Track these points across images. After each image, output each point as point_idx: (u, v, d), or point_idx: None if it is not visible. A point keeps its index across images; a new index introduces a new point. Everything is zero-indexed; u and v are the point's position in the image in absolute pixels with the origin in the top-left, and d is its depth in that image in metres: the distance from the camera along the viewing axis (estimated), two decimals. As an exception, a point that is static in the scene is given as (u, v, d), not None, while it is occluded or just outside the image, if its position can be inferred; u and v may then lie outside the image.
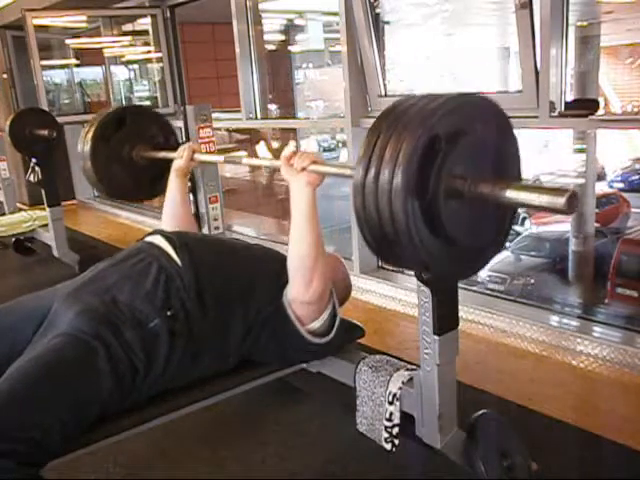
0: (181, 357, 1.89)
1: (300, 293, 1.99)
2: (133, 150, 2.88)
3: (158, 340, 1.84)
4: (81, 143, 2.84)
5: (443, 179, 1.34)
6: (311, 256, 1.94)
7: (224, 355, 2.01)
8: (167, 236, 2.09)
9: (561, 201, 1.25)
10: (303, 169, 1.93)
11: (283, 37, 7.66)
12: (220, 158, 2.84)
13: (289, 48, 7.98)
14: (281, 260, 2.15)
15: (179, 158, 2.58)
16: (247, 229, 5.92)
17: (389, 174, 1.30)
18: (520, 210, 12.86)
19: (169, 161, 2.67)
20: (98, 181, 2.85)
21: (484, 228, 1.50)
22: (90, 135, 2.80)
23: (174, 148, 2.72)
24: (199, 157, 2.62)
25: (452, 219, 1.37)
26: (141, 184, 2.96)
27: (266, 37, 5.16)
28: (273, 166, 2.18)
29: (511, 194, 1.35)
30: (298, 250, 1.96)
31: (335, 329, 2.10)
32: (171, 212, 2.59)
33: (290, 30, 7.70)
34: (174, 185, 2.59)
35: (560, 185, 11.79)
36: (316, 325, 2.06)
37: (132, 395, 1.81)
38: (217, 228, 3.31)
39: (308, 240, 1.94)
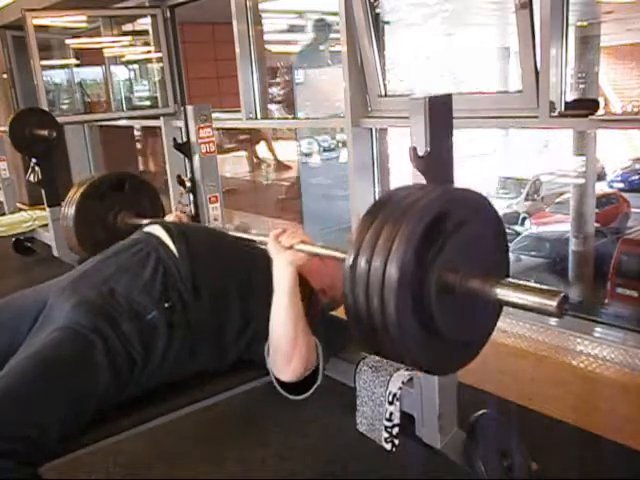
0: (179, 349, 1.88)
1: (278, 370, 1.94)
2: (118, 216, 2.94)
3: (156, 332, 1.84)
4: (66, 206, 2.89)
5: (436, 271, 1.31)
6: (289, 337, 1.89)
7: (222, 349, 2.00)
8: (166, 226, 2.09)
9: (552, 304, 1.23)
10: (290, 247, 1.91)
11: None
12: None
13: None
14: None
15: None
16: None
17: (382, 263, 1.27)
18: (520, 210, 12.86)
19: None
20: (78, 243, 2.90)
21: (473, 323, 1.48)
22: (77, 197, 2.86)
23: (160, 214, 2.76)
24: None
25: (443, 313, 1.34)
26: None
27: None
28: (260, 241, 2.15)
29: (501, 292, 1.33)
30: (277, 329, 1.91)
31: (311, 391, 2.03)
32: None
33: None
34: None
35: (560, 185, 11.80)
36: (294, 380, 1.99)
37: (129, 388, 1.81)
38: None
39: (286, 320, 1.89)
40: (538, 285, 1.31)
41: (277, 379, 1.98)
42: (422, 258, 1.29)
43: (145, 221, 2.80)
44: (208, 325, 1.94)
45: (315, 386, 2.01)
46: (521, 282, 1.34)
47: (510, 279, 1.40)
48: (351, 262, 1.33)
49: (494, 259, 1.46)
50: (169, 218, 2.61)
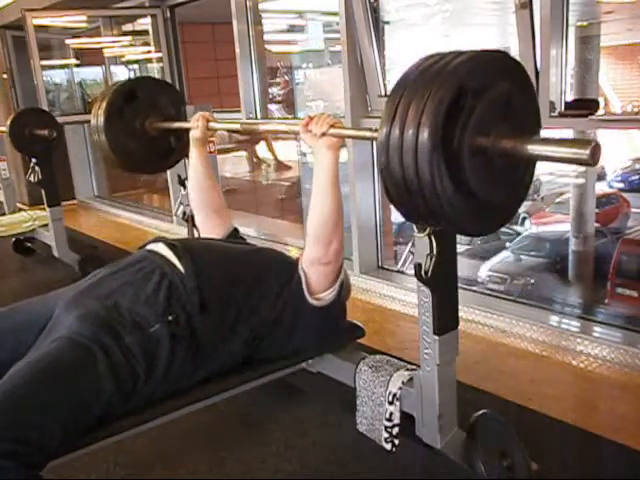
0: (182, 362, 1.88)
1: (321, 254, 2.04)
2: (146, 121, 2.93)
3: (159, 345, 1.84)
4: (94, 117, 2.89)
5: (467, 134, 1.35)
6: (333, 218, 2.00)
7: (225, 361, 2.01)
8: (170, 243, 2.09)
9: (585, 152, 1.26)
10: (323, 134, 1.97)
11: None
12: (236, 126, 2.85)
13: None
14: (288, 262, 2.16)
15: (194, 128, 2.59)
16: (247, 229, 5.92)
17: (414, 130, 1.32)
18: (520, 210, 12.84)
19: (182, 132, 2.72)
20: (112, 153, 2.89)
21: (506, 183, 1.51)
22: (102, 108, 2.84)
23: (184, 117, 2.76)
24: (214, 125, 2.63)
25: (475, 174, 1.38)
26: (155, 156, 3.03)
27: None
28: (292, 131, 2.20)
29: (534, 148, 1.37)
30: (321, 213, 2.01)
31: (342, 295, 2.18)
32: (197, 185, 2.61)
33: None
34: (195, 156, 2.62)
35: (560, 185, 11.79)
36: (328, 298, 2.11)
37: (133, 399, 1.81)
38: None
39: (331, 203, 2.00)
40: (569, 138, 1.35)
41: (312, 292, 2.09)
42: (453, 123, 1.33)
43: (175, 124, 2.88)
44: (214, 337, 1.95)
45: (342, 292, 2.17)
46: (552, 138, 1.37)
47: (541, 136, 1.46)
48: (384, 135, 1.38)
49: (524, 116, 1.49)
50: (194, 121, 2.60)
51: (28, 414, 1.58)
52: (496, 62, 1.45)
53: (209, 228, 2.57)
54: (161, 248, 2.08)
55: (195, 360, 1.92)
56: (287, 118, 6.88)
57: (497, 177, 1.45)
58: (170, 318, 1.86)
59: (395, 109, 1.37)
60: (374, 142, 3.71)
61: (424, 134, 1.30)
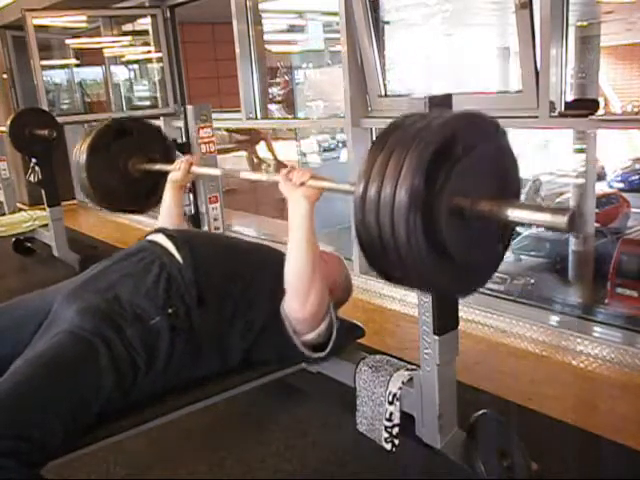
0: (182, 354, 1.89)
1: (295, 310, 1.98)
2: (129, 161, 2.91)
3: (159, 337, 1.84)
4: (77, 154, 2.86)
5: (446, 195, 1.32)
6: (307, 273, 1.94)
7: (225, 353, 2.01)
8: (169, 234, 2.09)
9: (563, 221, 1.25)
10: (302, 184, 1.93)
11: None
12: (217, 172, 2.86)
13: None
14: (283, 258, 2.16)
15: (176, 170, 2.59)
16: (247, 229, 5.92)
17: (392, 189, 1.29)
18: (520, 210, 12.86)
19: (164, 174, 2.68)
20: (92, 191, 2.87)
21: (483, 246, 1.49)
22: (86, 146, 2.82)
23: (171, 161, 2.73)
24: (196, 170, 2.63)
25: (453, 236, 1.36)
26: (135, 196, 2.98)
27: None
28: (271, 180, 2.17)
29: (512, 213, 1.35)
30: (294, 266, 1.95)
31: (331, 345, 2.09)
32: (168, 220, 2.59)
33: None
34: (169, 197, 2.61)
35: (560, 185, 11.80)
36: (311, 336, 2.05)
37: (133, 393, 1.81)
38: (217, 228, 3.31)
39: (304, 257, 1.94)
40: (547, 206, 1.35)
41: (295, 331, 2.02)
42: (431, 183, 1.30)
43: (156, 166, 2.84)
44: (212, 330, 1.95)
45: (332, 342, 2.07)
46: (530, 203, 1.37)
47: (520, 201, 1.45)
48: (361, 191, 1.35)
49: (504, 181, 1.48)
50: (177, 163, 2.61)
51: (30, 412, 1.58)
52: (478, 124, 1.43)
53: None
54: (161, 238, 2.08)
55: (194, 353, 1.92)
56: (287, 118, 6.90)
57: (474, 239, 1.43)
58: (170, 310, 1.87)
59: (374, 165, 1.34)
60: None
61: (402, 192, 1.27)
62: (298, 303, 1.96)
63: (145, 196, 2.99)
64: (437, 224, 1.33)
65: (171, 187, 2.61)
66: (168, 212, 2.60)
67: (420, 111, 1.46)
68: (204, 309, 1.93)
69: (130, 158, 2.90)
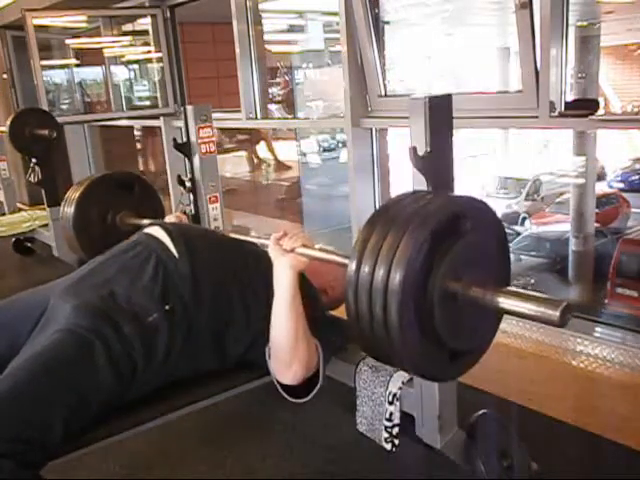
0: (180, 351, 1.88)
1: (279, 373, 1.94)
2: (117, 216, 2.94)
3: (157, 334, 1.83)
4: (65, 206, 2.90)
5: (440, 280, 1.31)
6: (289, 342, 1.89)
7: (223, 350, 2.00)
8: (166, 228, 2.09)
9: (556, 314, 1.23)
10: (292, 250, 1.90)
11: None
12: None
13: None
14: None
15: None
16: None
17: (385, 272, 1.28)
18: (520, 210, 12.86)
19: None
20: (78, 243, 2.91)
21: (474, 331, 1.49)
22: (75, 198, 2.87)
23: (160, 215, 2.81)
24: None
25: (445, 321, 1.35)
26: None
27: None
28: (261, 244, 2.14)
29: (503, 301, 1.34)
30: (277, 333, 1.91)
31: (313, 393, 2.02)
32: None
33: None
34: None
35: (560, 185, 11.80)
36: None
37: (132, 390, 1.80)
38: (217, 228, 3.31)
39: (286, 325, 1.89)
40: (540, 294, 1.32)
41: (278, 382, 1.97)
42: (425, 266, 1.29)
43: (145, 221, 2.82)
44: (209, 326, 1.94)
45: (316, 389, 2.00)
46: (522, 291, 1.34)
47: (512, 287, 1.40)
48: (354, 269, 1.33)
49: (496, 267, 1.47)
50: (169, 219, 2.61)
51: (29, 412, 1.58)
52: (473, 209, 1.43)
53: None
54: (157, 231, 2.08)
55: (192, 350, 1.91)
56: (287, 118, 6.89)
57: (463, 324, 1.42)
58: (167, 307, 1.86)
59: (367, 244, 1.33)
60: (375, 142, 3.74)
61: (397, 275, 1.26)
62: (282, 367, 1.93)
63: None
64: (430, 308, 1.32)
65: None
66: None
67: (418, 191, 1.45)
68: (200, 305, 1.92)
69: (120, 211, 2.95)
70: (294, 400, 1.99)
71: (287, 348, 1.89)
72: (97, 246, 2.85)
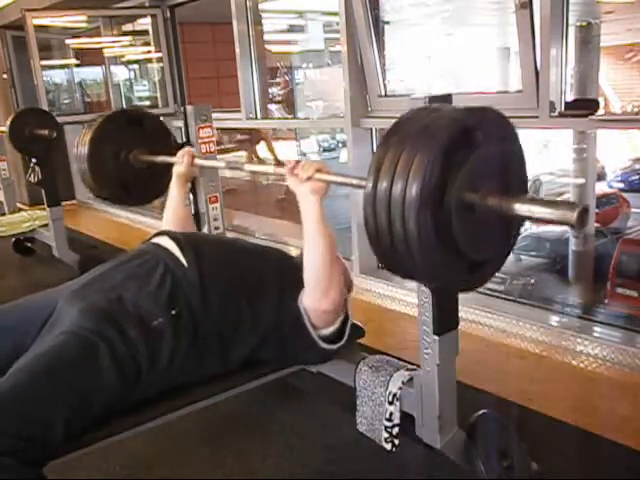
0: (185, 355, 1.88)
1: (317, 302, 1.98)
2: (130, 153, 2.91)
3: (162, 338, 1.84)
4: (79, 146, 2.87)
5: (456, 191, 1.34)
6: (325, 266, 1.94)
7: (227, 356, 2.00)
8: (174, 237, 2.09)
9: (572, 216, 1.25)
10: (308, 178, 1.93)
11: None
12: (221, 164, 2.84)
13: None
14: (290, 261, 2.19)
15: (179, 164, 2.59)
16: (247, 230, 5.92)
17: (402, 185, 1.30)
18: (520, 210, 12.86)
19: (165, 169, 2.69)
20: (94, 183, 2.90)
21: (492, 241, 1.50)
22: (88, 138, 2.84)
23: (173, 153, 2.73)
24: (199, 162, 2.63)
25: (463, 232, 1.37)
26: (137, 188, 3.01)
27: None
28: (277, 173, 2.17)
29: (522, 208, 1.36)
30: (312, 260, 1.96)
31: (346, 335, 2.10)
32: (171, 218, 2.61)
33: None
34: (175, 192, 2.62)
35: (560, 185, 11.80)
36: (330, 330, 2.06)
37: (136, 392, 1.81)
38: (217, 228, 3.31)
39: (319, 250, 1.94)
40: (557, 199, 1.34)
41: (314, 326, 2.02)
42: (441, 179, 1.32)
43: (159, 158, 2.85)
44: (217, 332, 1.95)
45: (348, 328, 2.10)
46: (539, 197, 1.37)
47: (529, 195, 1.46)
48: (372, 186, 1.36)
49: (512, 175, 1.49)
50: (179, 156, 2.61)
51: (31, 410, 1.58)
52: (488, 119, 1.44)
53: None
54: (165, 241, 2.08)
55: (197, 355, 1.92)
56: (287, 118, 6.90)
57: (482, 234, 1.44)
58: (173, 312, 1.87)
59: (384, 160, 1.36)
60: (375, 142, 3.73)
61: (413, 189, 1.29)
62: (319, 295, 1.97)
63: (147, 188, 3.04)
64: (447, 219, 1.34)
65: (176, 181, 2.61)
66: (171, 215, 2.61)
67: (428, 106, 1.46)
68: (208, 312, 1.93)
69: (133, 149, 2.93)
70: (329, 347, 2.06)
71: (323, 273, 1.95)
72: (113, 185, 2.95)
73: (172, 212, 2.61)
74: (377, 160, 1.38)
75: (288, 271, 2.10)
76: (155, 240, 2.13)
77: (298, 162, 1.99)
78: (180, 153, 2.61)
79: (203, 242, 2.20)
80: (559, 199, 1.47)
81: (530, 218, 1.41)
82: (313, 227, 1.95)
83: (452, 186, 1.33)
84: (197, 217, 3.31)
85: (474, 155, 1.36)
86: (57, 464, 1.67)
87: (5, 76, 7.53)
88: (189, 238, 2.12)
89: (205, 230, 3.24)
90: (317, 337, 2.03)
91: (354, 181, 1.84)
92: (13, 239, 5.34)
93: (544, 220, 1.36)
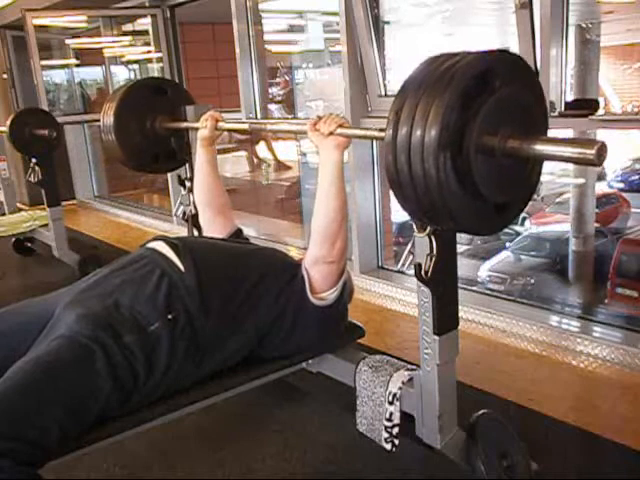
0: (183, 360, 1.88)
1: (326, 253, 2.05)
2: (155, 121, 2.98)
3: (159, 344, 1.83)
4: (104, 116, 2.92)
5: (475, 134, 1.36)
6: (337, 219, 2.02)
7: (225, 359, 2.01)
8: (170, 242, 2.09)
9: (591, 152, 1.27)
10: (330, 133, 1.98)
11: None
12: (244, 126, 2.86)
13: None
14: (289, 262, 2.21)
15: (203, 128, 2.61)
16: (247, 229, 5.92)
17: (422, 130, 1.33)
18: (520, 210, 12.87)
19: (183, 136, 2.84)
20: (122, 152, 2.95)
21: (512, 183, 1.53)
22: (113, 108, 2.88)
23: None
24: (223, 125, 2.65)
25: (482, 174, 1.40)
26: (161, 155, 3.10)
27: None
28: (299, 131, 2.21)
29: (540, 148, 1.39)
30: (326, 212, 2.02)
31: (344, 294, 2.18)
32: (204, 185, 2.63)
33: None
34: (201, 155, 2.64)
35: (561, 185, 11.80)
36: (333, 295, 2.12)
37: (134, 397, 1.81)
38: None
39: (335, 203, 2.01)
40: (576, 137, 1.36)
41: (315, 290, 2.10)
42: (460, 123, 1.35)
43: (184, 124, 2.96)
44: (214, 336, 1.95)
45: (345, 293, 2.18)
46: (558, 137, 1.39)
47: (548, 136, 1.49)
48: (391, 134, 1.40)
49: (531, 117, 1.51)
50: (203, 121, 2.63)
51: (26, 412, 1.58)
52: (503, 62, 1.46)
53: (213, 228, 2.58)
54: (162, 246, 2.08)
55: (195, 358, 1.92)
56: (287, 118, 6.89)
57: (503, 177, 1.46)
58: (170, 317, 1.86)
59: (402, 108, 1.39)
60: (374, 142, 3.73)
61: (431, 134, 1.32)
62: (328, 246, 2.04)
63: (171, 155, 3.12)
64: (467, 163, 1.37)
65: (201, 145, 2.63)
66: (201, 180, 2.63)
67: (446, 53, 1.48)
68: (207, 315, 1.93)
69: (157, 117, 2.99)
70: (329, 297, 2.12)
71: (336, 224, 2.02)
72: (142, 156, 3.04)
73: (200, 182, 2.64)
74: (395, 108, 1.41)
75: (286, 269, 2.12)
76: (151, 245, 2.13)
77: (320, 118, 2.04)
78: (203, 117, 2.64)
79: (201, 246, 2.20)
80: (577, 138, 1.50)
81: (548, 157, 1.43)
82: (332, 179, 2.01)
83: (471, 129, 1.36)
84: (196, 217, 3.30)
85: (492, 98, 1.38)
86: (56, 464, 1.67)
87: (5, 76, 7.53)
88: (186, 243, 2.12)
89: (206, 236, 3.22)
90: (316, 299, 2.10)
91: (375, 133, 1.90)
92: (13, 239, 5.35)
93: (563, 159, 1.37)
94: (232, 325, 1.99)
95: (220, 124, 2.62)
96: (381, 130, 1.63)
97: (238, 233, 2.58)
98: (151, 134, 2.98)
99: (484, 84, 1.38)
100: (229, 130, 2.90)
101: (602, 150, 1.27)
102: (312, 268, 2.09)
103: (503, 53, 1.46)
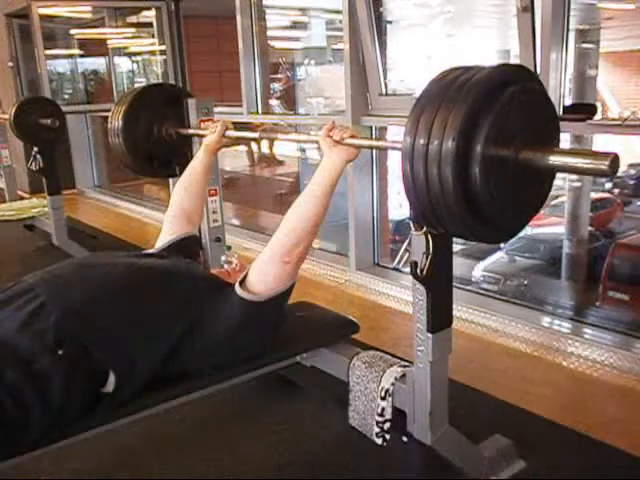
0: (83, 393, 1.79)
1: (286, 250, 1.95)
2: (162, 127, 2.98)
3: (49, 380, 1.71)
4: (113, 120, 2.91)
5: (489, 146, 1.40)
6: (313, 224, 1.96)
7: (133, 382, 1.87)
8: (44, 278, 1.99)
9: (605, 163, 1.31)
10: (341, 139, 1.97)
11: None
12: (254, 134, 2.87)
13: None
14: (197, 275, 2.17)
15: (211, 134, 2.62)
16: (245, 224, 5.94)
17: (439, 141, 1.37)
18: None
19: (185, 143, 2.82)
20: (129, 156, 2.94)
21: (525, 193, 1.57)
22: (122, 113, 2.88)
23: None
24: (232, 133, 2.66)
25: (497, 185, 1.43)
26: (168, 161, 3.09)
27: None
28: (311, 140, 2.20)
29: (554, 159, 1.42)
30: (306, 213, 1.97)
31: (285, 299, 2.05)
32: (185, 185, 2.61)
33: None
34: (201, 159, 2.64)
35: (556, 188, 11.81)
36: (269, 293, 1.98)
37: (34, 428, 1.68)
38: (216, 221, 3.32)
39: (319, 209, 1.97)
40: (589, 149, 1.40)
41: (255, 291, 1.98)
42: (476, 134, 1.39)
43: (191, 130, 2.96)
44: (113, 366, 1.82)
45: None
46: (571, 148, 1.43)
47: (561, 147, 1.52)
48: (409, 144, 1.44)
49: (544, 130, 1.54)
50: (212, 127, 2.65)
51: None
52: (517, 76, 1.50)
53: (170, 226, 2.52)
54: (35, 280, 1.97)
55: (97, 388, 1.81)
56: (287, 114, 6.90)
57: (517, 187, 1.51)
58: (60, 352, 1.74)
59: (420, 118, 1.43)
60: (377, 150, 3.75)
61: (448, 144, 1.36)
62: (290, 244, 1.95)
63: (170, 162, 3.10)
64: (482, 171, 1.41)
65: (204, 150, 2.64)
66: (190, 183, 2.61)
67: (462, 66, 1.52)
68: (100, 348, 1.81)
69: (165, 122, 2.99)
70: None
71: (309, 227, 1.97)
72: (149, 161, 3.02)
73: (187, 182, 2.62)
74: (413, 118, 1.45)
75: (192, 285, 2.06)
76: (31, 280, 1.98)
77: (334, 124, 2.02)
78: (212, 124, 2.66)
79: (76, 278, 2.04)
80: (590, 150, 1.53)
81: (562, 169, 1.47)
82: (326, 186, 1.98)
83: (486, 141, 1.39)
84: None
85: (506, 110, 1.42)
86: (41, 454, 1.68)
87: (11, 64, 7.52)
88: (59, 278, 2.01)
89: (204, 224, 3.22)
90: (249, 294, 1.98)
91: (388, 144, 1.92)
92: (23, 224, 5.36)
93: (577, 170, 1.40)
94: (128, 353, 1.85)
95: (229, 132, 2.63)
96: (395, 142, 1.65)
97: (188, 241, 2.50)
98: (158, 139, 2.98)
99: (499, 96, 1.42)
100: (238, 138, 2.85)
101: (615, 161, 1.31)
102: (264, 263, 2.00)
103: (520, 66, 1.52)
